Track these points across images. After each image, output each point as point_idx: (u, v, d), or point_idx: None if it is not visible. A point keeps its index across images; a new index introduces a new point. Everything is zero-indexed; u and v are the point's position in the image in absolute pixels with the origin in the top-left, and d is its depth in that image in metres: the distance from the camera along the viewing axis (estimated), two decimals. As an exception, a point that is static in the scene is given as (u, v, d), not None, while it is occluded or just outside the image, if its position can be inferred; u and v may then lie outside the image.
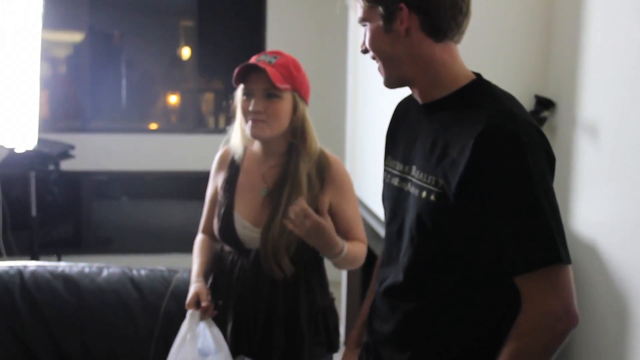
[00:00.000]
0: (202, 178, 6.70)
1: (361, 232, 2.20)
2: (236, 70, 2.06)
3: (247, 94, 2.08)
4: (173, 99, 7.45)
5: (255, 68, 2.04)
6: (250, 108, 2.05)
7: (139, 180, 7.00)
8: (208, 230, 2.30)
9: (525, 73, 2.72)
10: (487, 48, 2.67)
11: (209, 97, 7.26)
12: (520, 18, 2.76)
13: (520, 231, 1.33)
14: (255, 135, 2.09)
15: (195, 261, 2.23)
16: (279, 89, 2.04)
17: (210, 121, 7.26)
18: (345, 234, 2.14)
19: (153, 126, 7.28)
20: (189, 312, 2.06)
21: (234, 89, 2.14)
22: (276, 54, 2.10)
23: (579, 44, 2.54)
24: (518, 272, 1.35)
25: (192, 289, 2.10)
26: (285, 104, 2.07)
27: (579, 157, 2.50)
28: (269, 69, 2.01)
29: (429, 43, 1.45)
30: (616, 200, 2.31)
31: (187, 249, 6.66)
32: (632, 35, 2.25)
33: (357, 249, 2.14)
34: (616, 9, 2.37)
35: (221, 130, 6.84)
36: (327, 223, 1.96)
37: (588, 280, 2.38)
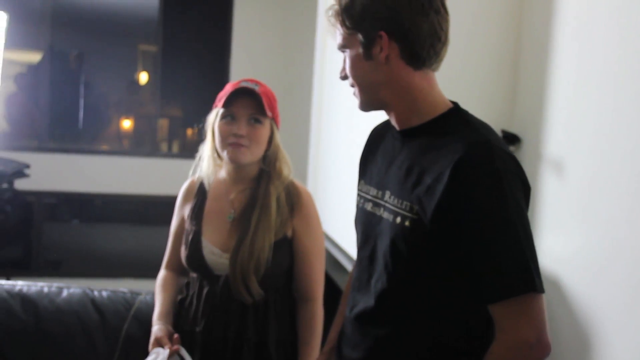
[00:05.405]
0: (154, 202, 6.72)
1: (317, 286, 2.16)
2: (227, 93, 2.06)
3: (231, 117, 2.07)
4: (130, 122, 7.40)
5: (246, 92, 2.05)
6: (234, 132, 2.05)
7: (91, 202, 6.91)
8: (172, 265, 2.25)
9: (493, 109, 2.78)
10: (456, 83, 2.72)
11: (163, 123, 7.23)
12: (488, 54, 2.82)
13: (496, 259, 1.34)
14: (234, 159, 2.08)
15: (157, 300, 2.18)
16: (264, 115, 2.06)
17: (164, 146, 7.22)
18: (302, 276, 2.14)
19: (109, 148, 7.20)
20: (155, 350, 2.01)
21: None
22: (255, 82, 2.11)
23: (545, 82, 2.60)
24: (492, 300, 1.35)
25: (154, 333, 2.06)
26: (265, 131, 2.10)
27: (543, 192, 2.55)
28: (260, 95, 2.04)
29: (408, 71, 1.47)
30: (579, 235, 2.36)
31: (138, 274, 6.58)
32: (597, 74, 2.32)
33: (316, 337, 2.13)
34: (581, 48, 2.44)
35: (175, 155, 6.90)
36: None
37: (550, 314, 2.41)
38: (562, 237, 2.47)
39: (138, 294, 2.53)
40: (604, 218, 2.25)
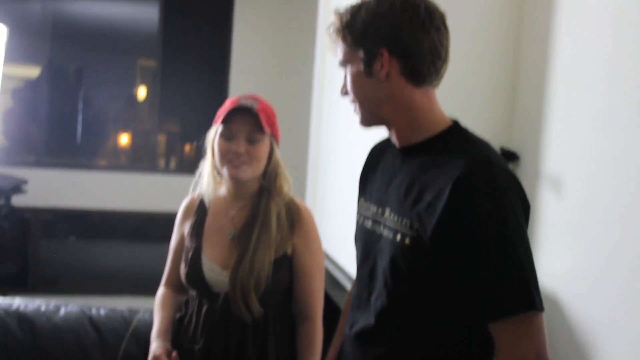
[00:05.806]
0: (152, 219, 6.70)
1: (317, 304, 2.14)
2: (226, 110, 2.06)
3: (229, 135, 2.07)
4: (127, 138, 7.40)
5: (245, 110, 2.04)
6: (233, 149, 2.05)
7: (88, 218, 6.90)
8: (171, 283, 2.24)
9: (491, 126, 2.78)
10: (454, 100, 2.71)
11: (161, 139, 7.24)
12: (487, 72, 2.83)
13: (496, 277, 1.34)
14: (234, 176, 2.08)
15: (155, 317, 2.16)
16: (263, 133, 2.05)
17: (161, 162, 7.21)
18: (301, 294, 2.12)
19: (107, 164, 7.20)
20: None
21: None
22: (254, 98, 2.11)
23: (544, 100, 2.61)
24: (492, 318, 1.35)
25: (152, 350, 2.05)
26: (265, 147, 2.09)
27: (541, 209, 2.55)
28: (259, 113, 2.03)
29: (408, 88, 1.47)
30: (578, 252, 2.36)
31: (136, 291, 6.53)
32: (595, 91, 2.32)
33: (316, 356, 2.11)
34: (580, 66, 2.45)
35: (173, 170, 6.89)
36: None
37: (549, 331, 2.40)
38: (560, 253, 2.46)
39: (136, 312, 2.51)
40: (602, 235, 2.24)
